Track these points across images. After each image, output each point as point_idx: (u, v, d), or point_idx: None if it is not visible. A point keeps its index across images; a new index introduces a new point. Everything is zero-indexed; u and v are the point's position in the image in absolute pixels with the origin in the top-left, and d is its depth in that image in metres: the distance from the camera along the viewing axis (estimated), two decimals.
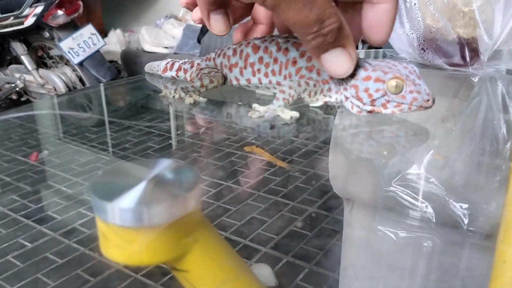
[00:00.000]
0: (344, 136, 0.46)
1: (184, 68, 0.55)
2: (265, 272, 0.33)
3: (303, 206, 0.41)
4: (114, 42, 3.13)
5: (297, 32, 0.33)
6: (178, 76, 0.56)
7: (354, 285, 0.36)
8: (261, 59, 0.45)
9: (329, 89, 0.42)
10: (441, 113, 0.49)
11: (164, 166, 0.18)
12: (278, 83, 0.45)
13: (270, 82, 0.45)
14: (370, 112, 0.40)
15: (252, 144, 0.50)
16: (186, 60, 0.56)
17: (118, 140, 0.53)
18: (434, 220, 0.34)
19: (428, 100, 0.39)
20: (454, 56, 0.53)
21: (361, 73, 0.39)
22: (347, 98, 0.41)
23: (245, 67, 0.45)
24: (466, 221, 0.33)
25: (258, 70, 0.45)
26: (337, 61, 0.35)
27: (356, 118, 0.44)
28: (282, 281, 0.32)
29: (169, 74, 0.56)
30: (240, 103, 0.54)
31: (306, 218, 0.40)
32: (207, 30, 2.15)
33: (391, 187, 0.38)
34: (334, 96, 0.42)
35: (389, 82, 0.38)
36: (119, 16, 3.58)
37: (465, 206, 0.34)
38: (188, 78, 0.54)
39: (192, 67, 0.54)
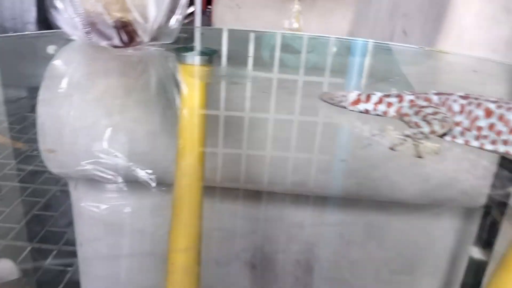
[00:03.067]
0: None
1: (388, 102, 0.48)
2: (5, 266, 0.32)
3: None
4: None
5: None
6: (375, 110, 0.49)
7: (92, 257, 0.40)
8: (492, 126, 0.41)
9: None
10: (120, 92, 0.55)
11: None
12: (507, 152, 0.41)
13: (497, 150, 0.42)
14: None
15: None
16: (389, 93, 0.49)
17: None
18: (126, 189, 0.41)
19: None
20: (114, 38, 0.60)
21: None
22: None
23: (470, 129, 0.42)
24: (153, 184, 0.41)
25: (485, 136, 0.42)
26: None
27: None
28: (29, 270, 0.33)
29: (363, 107, 0.49)
30: None
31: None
32: None
33: (87, 164, 0.43)
34: None
35: None
36: None
37: (150, 171, 0.42)
38: (391, 114, 0.48)
39: (400, 101, 0.47)
